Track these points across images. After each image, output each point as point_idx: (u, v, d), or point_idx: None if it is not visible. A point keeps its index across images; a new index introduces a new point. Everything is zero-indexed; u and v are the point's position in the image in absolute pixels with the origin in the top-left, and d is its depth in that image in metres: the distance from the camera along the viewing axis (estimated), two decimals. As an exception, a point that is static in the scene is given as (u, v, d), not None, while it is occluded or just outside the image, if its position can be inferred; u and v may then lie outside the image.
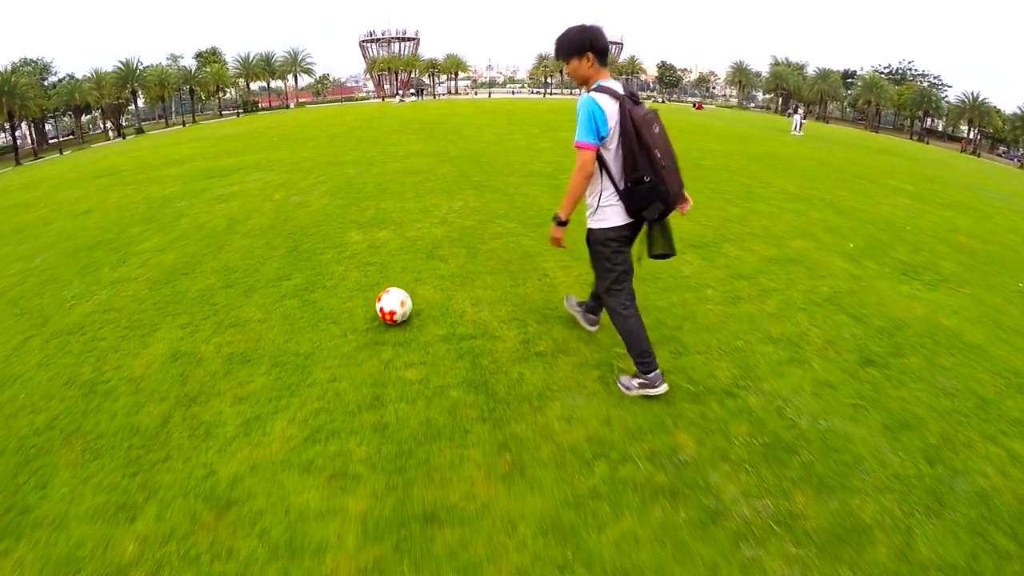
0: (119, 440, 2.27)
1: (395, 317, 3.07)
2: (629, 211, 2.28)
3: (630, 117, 2.14)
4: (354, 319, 3.23)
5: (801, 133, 21.97)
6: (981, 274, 4.59)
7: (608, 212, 2.30)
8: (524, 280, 3.74)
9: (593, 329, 2.99)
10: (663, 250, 2.36)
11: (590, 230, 2.39)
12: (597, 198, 2.31)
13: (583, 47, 2.23)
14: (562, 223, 2.33)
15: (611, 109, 2.16)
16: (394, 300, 3.08)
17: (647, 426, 2.26)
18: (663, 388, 2.44)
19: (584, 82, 2.30)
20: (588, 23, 2.27)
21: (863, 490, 1.98)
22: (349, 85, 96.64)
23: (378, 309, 3.08)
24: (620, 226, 2.31)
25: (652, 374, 2.44)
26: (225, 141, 16.75)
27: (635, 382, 2.48)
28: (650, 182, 2.17)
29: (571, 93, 69.11)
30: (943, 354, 3.02)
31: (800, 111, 24.81)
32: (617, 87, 2.23)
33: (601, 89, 2.20)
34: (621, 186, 2.25)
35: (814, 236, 5.17)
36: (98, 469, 2.12)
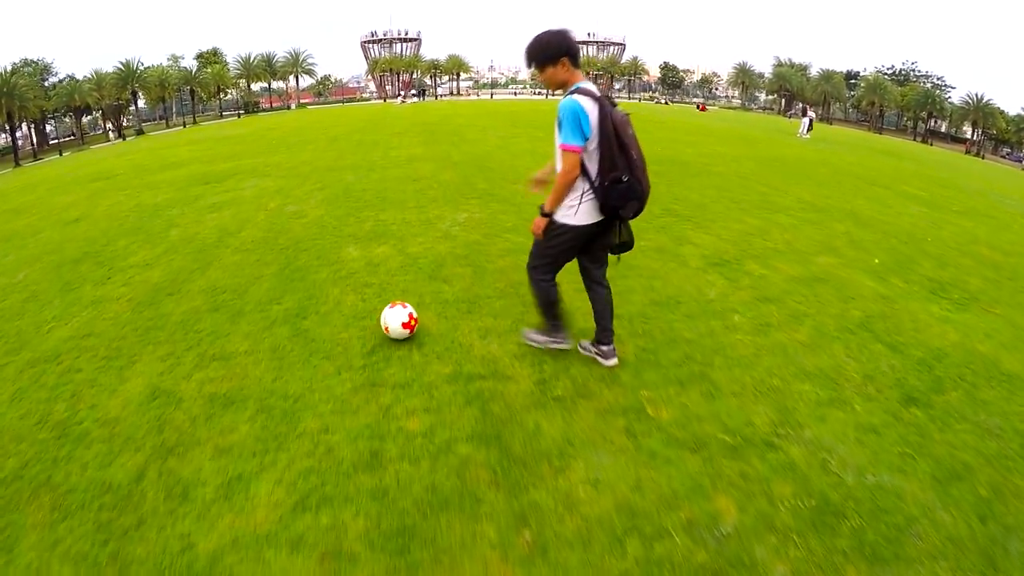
0: (89, 498, 2.04)
1: (414, 317, 3.04)
2: (604, 209, 2.33)
3: (611, 119, 2.20)
4: (349, 353, 2.95)
5: (808, 136, 21.59)
6: (1008, 291, 4.39)
7: (582, 209, 2.35)
8: (536, 306, 3.46)
9: (611, 362, 2.73)
10: (626, 238, 2.48)
11: (561, 224, 2.40)
12: (574, 195, 2.34)
13: (559, 52, 2.26)
14: (546, 215, 2.40)
15: (592, 110, 2.20)
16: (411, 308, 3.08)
17: (683, 490, 2.00)
18: (567, 345, 2.82)
19: (562, 86, 2.33)
20: (555, 28, 2.30)
21: (918, 559, 1.78)
22: (351, 86, 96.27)
23: (408, 315, 2.99)
24: (591, 224, 2.38)
25: (560, 335, 2.79)
26: (223, 143, 16.49)
27: (543, 338, 2.83)
28: (627, 181, 2.24)
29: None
30: (983, 387, 2.83)
31: (810, 113, 24.40)
32: (594, 89, 2.26)
33: (581, 91, 2.23)
34: (597, 184, 2.29)
35: (838, 251, 4.93)
36: (67, 532, 1.89)
